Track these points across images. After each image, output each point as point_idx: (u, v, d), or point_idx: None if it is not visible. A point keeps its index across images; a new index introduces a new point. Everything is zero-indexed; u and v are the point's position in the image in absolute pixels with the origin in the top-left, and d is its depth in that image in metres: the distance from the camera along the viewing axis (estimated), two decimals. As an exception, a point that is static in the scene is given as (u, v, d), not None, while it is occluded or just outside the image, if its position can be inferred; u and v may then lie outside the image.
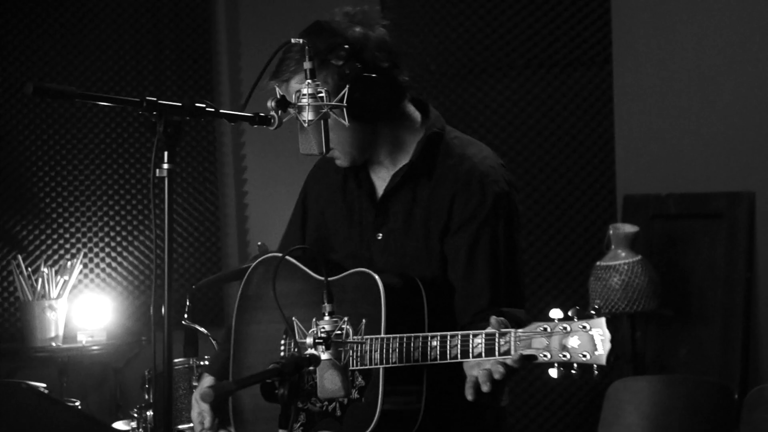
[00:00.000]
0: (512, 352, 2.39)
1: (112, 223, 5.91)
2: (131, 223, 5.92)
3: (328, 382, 2.29)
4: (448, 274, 2.79)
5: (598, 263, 4.88)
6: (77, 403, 4.43)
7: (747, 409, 4.02)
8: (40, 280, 5.54)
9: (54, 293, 5.55)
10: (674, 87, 5.12)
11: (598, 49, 5.31)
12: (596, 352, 2.32)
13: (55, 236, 5.85)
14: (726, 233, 4.94)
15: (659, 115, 5.16)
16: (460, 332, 2.49)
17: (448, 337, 2.49)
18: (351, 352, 2.52)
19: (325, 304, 2.32)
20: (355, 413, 2.63)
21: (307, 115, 2.47)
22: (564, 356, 2.33)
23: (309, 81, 2.48)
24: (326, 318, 2.31)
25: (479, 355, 2.43)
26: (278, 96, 2.50)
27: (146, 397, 4.27)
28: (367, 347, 2.58)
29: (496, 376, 2.39)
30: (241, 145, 6.09)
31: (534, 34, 5.34)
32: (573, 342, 2.33)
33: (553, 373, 2.36)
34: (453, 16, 5.46)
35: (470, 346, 2.45)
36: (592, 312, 2.33)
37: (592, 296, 4.87)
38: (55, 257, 5.83)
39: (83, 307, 5.69)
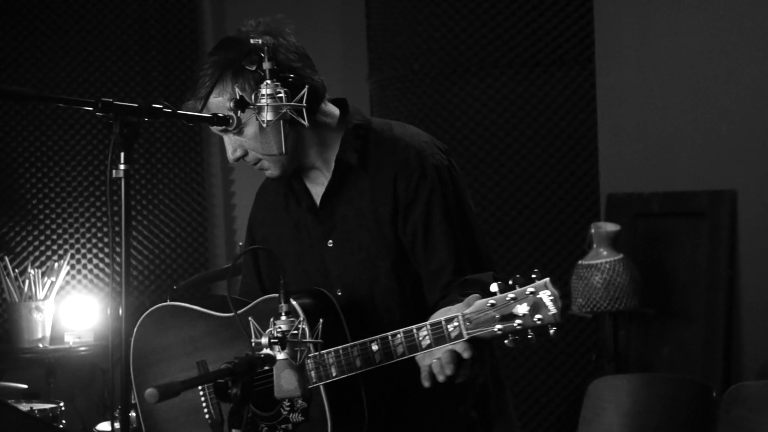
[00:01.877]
0: (464, 335, 2.39)
1: (99, 224, 5.92)
2: (118, 224, 5.91)
3: (285, 381, 2.29)
4: (409, 257, 2.78)
5: (580, 262, 4.89)
6: (61, 404, 4.44)
7: (725, 407, 4.02)
8: (27, 281, 5.55)
9: (41, 294, 5.56)
10: (657, 86, 5.13)
11: (581, 49, 5.31)
12: (549, 312, 2.33)
13: (42, 237, 5.87)
14: (708, 232, 4.93)
15: (642, 115, 5.17)
16: (401, 329, 2.49)
17: (389, 338, 2.50)
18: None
19: (282, 303, 2.32)
20: None
21: (266, 116, 2.47)
22: (518, 325, 2.34)
23: (268, 81, 2.48)
24: (282, 318, 2.31)
25: (429, 347, 2.44)
26: (237, 96, 2.51)
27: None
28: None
29: (448, 372, 2.41)
30: (229, 146, 6.10)
31: (516, 33, 5.34)
32: (522, 309, 2.34)
33: (509, 343, 2.36)
34: (436, 16, 5.46)
35: (417, 339, 2.46)
36: (533, 276, 2.34)
37: (575, 295, 4.88)
38: (42, 258, 5.85)
39: (70, 309, 5.71)
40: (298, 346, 2.30)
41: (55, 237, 5.87)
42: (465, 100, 5.46)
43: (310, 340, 2.33)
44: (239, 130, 2.70)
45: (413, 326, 2.47)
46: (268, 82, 2.48)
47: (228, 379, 2.13)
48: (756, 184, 4.87)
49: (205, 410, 2.78)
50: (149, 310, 2.92)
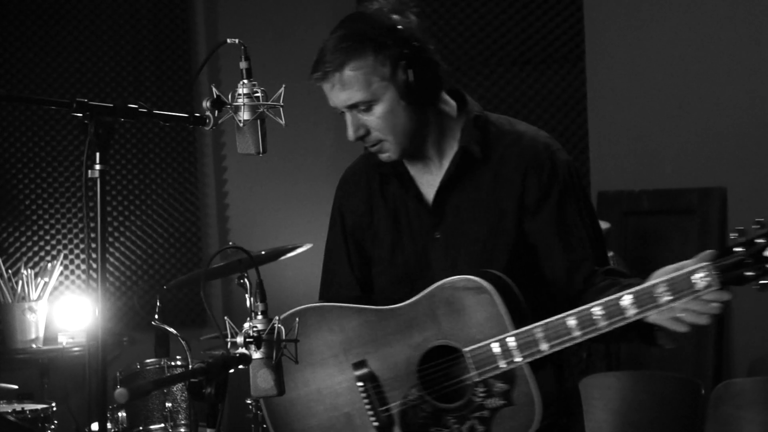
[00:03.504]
0: (715, 284, 2.37)
1: (92, 225, 5.91)
2: (111, 224, 5.93)
3: (261, 380, 2.30)
4: (538, 252, 2.72)
5: (570, 260, 4.88)
6: (53, 405, 4.45)
7: (713, 404, 4.03)
8: (20, 282, 5.55)
9: (34, 295, 5.56)
10: (646, 84, 5.13)
11: (571, 47, 5.32)
12: None
13: (35, 238, 5.87)
14: (698, 229, 4.94)
15: (632, 113, 5.17)
16: (625, 291, 2.43)
17: (617, 300, 2.44)
18: (474, 359, 2.52)
19: (258, 303, 2.32)
20: (507, 421, 2.56)
21: (243, 115, 2.47)
22: None
23: (245, 81, 2.48)
24: (258, 317, 2.31)
25: (670, 301, 2.40)
26: (214, 95, 2.50)
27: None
28: (497, 348, 2.54)
29: (703, 321, 2.41)
30: (222, 146, 6.10)
31: (507, 32, 5.34)
32: None
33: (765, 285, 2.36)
34: (426, 16, 5.46)
35: (655, 295, 2.41)
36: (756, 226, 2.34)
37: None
38: (36, 259, 5.85)
39: (64, 309, 5.71)
40: (273, 345, 2.30)
41: (48, 238, 5.88)
42: (456, 99, 5.45)
43: (286, 339, 2.32)
44: (368, 107, 2.65)
45: (644, 283, 2.43)
46: (245, 81, 2.47)
47: (202, 378, 2.13)
48: (745, 181, 4.87)
49: (370, 414, 2.69)
50: (298, 309, 2.77)
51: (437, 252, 2.76)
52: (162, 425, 4.24)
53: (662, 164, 5.09)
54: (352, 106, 2.67)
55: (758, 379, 4.24)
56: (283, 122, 2.53)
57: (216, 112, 2.49)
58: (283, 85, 2.53)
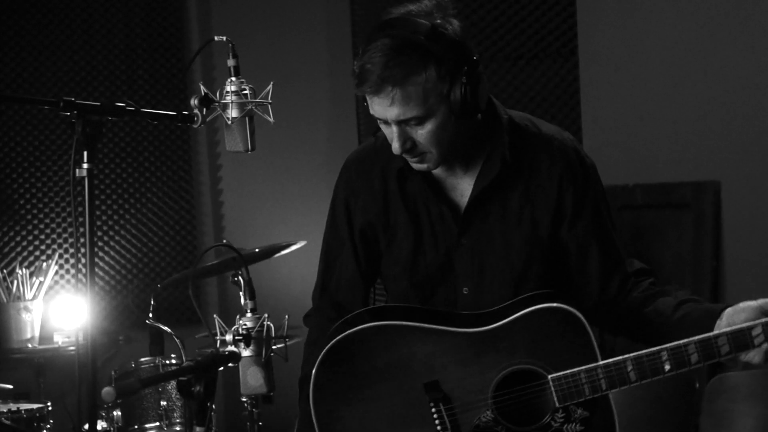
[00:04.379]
0: None
1: (81, 220, 5.90)
2: (106, 223, 5.93)
3: (251, 378, 2.30)
4: (570, 258, 2.72)
5: (564, 255, 4.88)
6: (48, 404, 4.45)
7: (708, 398, 4.02)
8: (15, 281, 5.55)
9: (29, 295, 5.56)
10: (640, 78, 5.12)
11: (564, 41, 5.31)
12: None
13: (30, 237, 5.87)
14: (692, 223, 4.93)
15: (625, 107, 5.16)
16: (722, 332, 2.51)
17: (715, 339, 2.51)
18: (559, 386, 2.53)
19: (247, 301, 2.32)
20: None
21: (231, 112, 2.47)
22: None
23: (233, 78, 2.48)
24: (248, 314, 2.32)
25: (728, 354, 2.50)
26: (203, 93, 2.50)
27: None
28: (585, 377, 2.55)
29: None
30: (216, 144, 6.10)
31: (499, 26, 5.34)
32: None
33: None
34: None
35: (752, 337, 2.48)
36: None
37: (560, 288, 4.88)
38: (31, 258, 5.84)
39: (59, 308, 5.70)
40: (263, 343, 2.31)
41: (42, 237, 5.87)
42: (449, 94, 5.45)
43: (276, 336, 2.33)
44: (420, 122, 2.57)
45: (741, 325, 2.51)
46: (233, 78, 2.47)
47: (191, 376, 2.13)
48: (739, 175, 4.87)
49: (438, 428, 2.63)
50: (364, 326, 2.61)
51: (462, 258, 2.73)
52: (157, 424, 4.24)
53: (656, 158, 5.08)
54: (403, 121, 2.58)
55: (753, 373, 4.23)
56: (271, 119, 2.53)
57: (204, 109, 2.50)
58: (272, 83, 2.53)
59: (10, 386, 4.60)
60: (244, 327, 2.29)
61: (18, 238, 5.85)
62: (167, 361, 4.30)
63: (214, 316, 2.30)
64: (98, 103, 2.32)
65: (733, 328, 2.48)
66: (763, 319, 2.45)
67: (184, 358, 4.24)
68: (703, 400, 4.03)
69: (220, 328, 2.28)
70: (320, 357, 2.47)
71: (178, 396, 4.21)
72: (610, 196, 5.19)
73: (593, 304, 2.72)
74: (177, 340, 4.28)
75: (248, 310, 2.32)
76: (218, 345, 2.29)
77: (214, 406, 4.18)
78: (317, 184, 5.95)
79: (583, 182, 2.71)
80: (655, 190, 5.05)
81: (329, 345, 2.40)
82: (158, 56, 6.04)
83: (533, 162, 2.70)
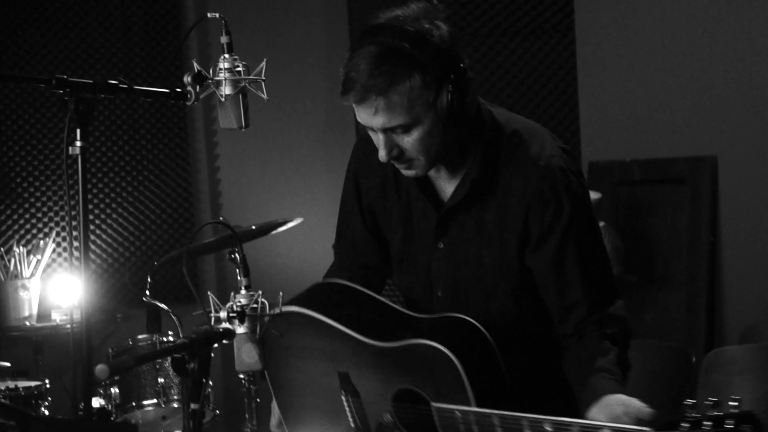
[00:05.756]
0: None
1: (74, 202, 5.90)
2: (104, 201, 5.93)
3: (246, 355, 2.30)
4: (530, 285, 2.66)
5: (561, 231, 4.88)
6: (47, 382, 4.46)
7: (704, 372, 4.04)
8: (12, 259, 5.55)
9: (27, 273, 5.56)
10: (636, 54, 5.12)
11: (561, 17, 5.30)
12: None
13: (27, 216, 5.87)
14: (689, 198, 4.94)
15: (622, 82, 5.16)
16: (577, 420, 2.36)
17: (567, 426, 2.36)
18: (439, 415, 2.53)
19: (241, 278, 2.32)
20: None
21: (225, 90, 2.47)
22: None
23: (226, 55, 2.48)
24: (242, 291, 2.32)
25: None
26: (196, 70, 2.49)
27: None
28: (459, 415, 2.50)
29: None
30: (213, 121, 6.09)
31: (496, 2, 5.33)
32: None
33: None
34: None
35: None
36: (732, 404, 2.15)
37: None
38: (28, 237, 5.85)
39: (57, 286, 5.71)
40: (257, 319, 2.31)
41: (40, 215, 5.87)
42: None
43: (269, 313, 2.33)
44: (406, 129, 2.54)
45: (593, 420, 2.38)
46: (226, 56, 2.47)
47: (185, 353, 2.13)
48: (736, 150, 4.87)
49: (350, 418, 2.72)
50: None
51: (438, 262, 2.73)
52: (155, 401, 4.25)
53: (653, 134, 5.08)
54: (389, 129, 2.56)
55: (749, 347, 4.25)
56: (265, 96, 2.52)
57: (197, 87, 2.49)
58: (264, 59, 2.52)
59: (8, 364, 4.61)
60: (238, 304, 2.29)
61: (15, 216, 5.85)
62: (164, 339, 4.30)
63: (209, 293, 2.30)
64: (91, 81, 2.31)
65: (588, 422, 2.35)
66: (611, 424, 2.32)
67: (181, 336, 4.24)
68: (699, 373, 4.04)
69: (214, 305, 2.28)
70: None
71: (175, 373, 4.22)
72: (607, 171, 5.25)
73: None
74: (174, 318, 4.28)
75: (242, 287, 2.31)
76: (212, 322, 2.29)
77: (211, 383, 4.19)
78: (314, 161, 5.94)
79: (552, 214, 2.60)
80: (652, 166, 5.05)
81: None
82: (154, 33, 6.02)
83: (509, 185, 2.64)
